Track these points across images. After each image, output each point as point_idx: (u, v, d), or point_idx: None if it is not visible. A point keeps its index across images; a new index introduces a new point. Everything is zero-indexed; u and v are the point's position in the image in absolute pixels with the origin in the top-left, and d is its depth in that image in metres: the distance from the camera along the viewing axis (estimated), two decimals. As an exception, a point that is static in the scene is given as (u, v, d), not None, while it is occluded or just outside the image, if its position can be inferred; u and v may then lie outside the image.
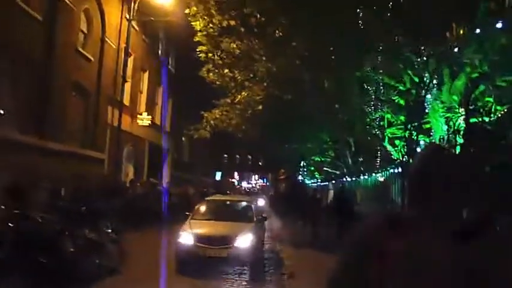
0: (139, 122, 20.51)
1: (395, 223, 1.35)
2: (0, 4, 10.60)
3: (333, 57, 12.07)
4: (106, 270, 7.21)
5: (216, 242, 8.42)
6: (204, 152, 35.96)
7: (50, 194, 10.26)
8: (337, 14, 10.21)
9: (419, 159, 1.45)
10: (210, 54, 13.77)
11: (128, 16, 17.40)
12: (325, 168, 24.75)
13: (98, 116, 16.26)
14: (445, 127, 9.41)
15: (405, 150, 10.74)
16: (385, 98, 11.77)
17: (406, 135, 10.51)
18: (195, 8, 12.86)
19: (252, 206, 10.94)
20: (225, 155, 56.61)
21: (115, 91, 17.24)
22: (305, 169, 32.59)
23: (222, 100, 16.42)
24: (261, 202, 29.54)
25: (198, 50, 13.88)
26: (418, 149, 9.96)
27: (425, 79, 10.04)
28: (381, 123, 12.17)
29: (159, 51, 23.83)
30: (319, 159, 24.06)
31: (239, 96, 15.15)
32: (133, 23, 17.97)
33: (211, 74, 14.53)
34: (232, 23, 12.30)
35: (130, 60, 18.43)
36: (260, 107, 15.69)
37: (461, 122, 9.12)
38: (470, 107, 9.09)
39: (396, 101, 11.05)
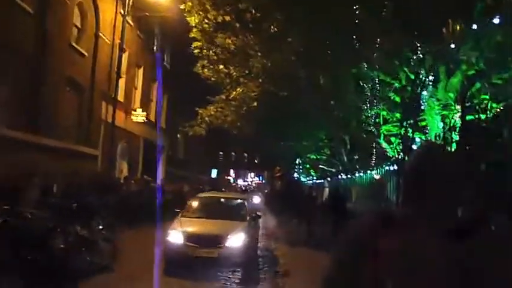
0: (134, 119, 20.34)
1: (390, 221, 1.33)
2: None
3: (329, 52, 11.98)
4: (97, 268, 7.11)
5: (207, 241, 8.01)
6: (199, 149, 35.83)
7: (41, 191, 10.14)
8: (332, 10, 10.14)
9: (415, 157, 1.45)
10: (204, 50, 13.67)
11: (122, 11, 17.20)
12: (320, 166, 24.74)
13: (91, 112, 16.10)
14: (441, 124, 9.37)
15: (401, 147, 10.71)
16: (380, 95, 11.72)
17: (402, 133, 10.48)
18: (190, 4, 12.77)
19: (246, 203, 10.45)
20: (221, 153, 56.51)
21: (109, 87, 17.07)
22: (301, 167, 32.57)
23: (217, 97, 16.33)
24: (257, 200, 29.49)
25: (193, 45, 13.77)
26: (414, 147, 9.93)
27: (421, 76, 9.99)
28: (377, 120, 12.12)
29: (154, 47, 23.61)
30: (314, 157, 24.04)
31: (234, 93, 15.07)
32: (128, 18, 17.79)
33: (206, 69, 14.44)
34: (228, 18, 12.22)
35: (124, 56, 18.26)
36: (255, 104, 15.62)
37: (457, 119, 9.08)
38: (466, 104, 9.05)
39: (392, 98, 11.01)
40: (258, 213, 11.01)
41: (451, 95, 9.24)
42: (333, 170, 22.08)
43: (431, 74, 9.81)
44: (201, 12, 12.73)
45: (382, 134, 11.78)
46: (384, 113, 11.65)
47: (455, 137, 8.97)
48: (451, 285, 1.23)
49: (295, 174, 35.39)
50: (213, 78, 14.83)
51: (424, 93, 10.03)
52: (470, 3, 8.37)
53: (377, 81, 11.82)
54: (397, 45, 9.83)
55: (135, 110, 20.57)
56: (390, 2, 9.63)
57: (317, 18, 10.46)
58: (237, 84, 14.98)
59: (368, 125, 12.67)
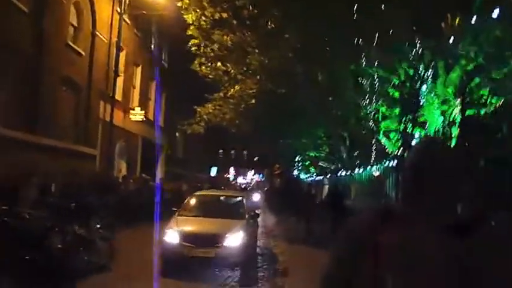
0: (132, 117, 20.30)
1: (389, 216, 1.34)
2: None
3: (327, 48, 11.92)
4: (95, 267, 7.08)
5: (204, 240, 7.76)
6: (198, 148, 35.80)
7: (39, 190, 10.12)
8: (329, 6, 10.08)
9: (414, 153, 1.45)
10: (202, 48, 13.62)
11: (119, 9, 17.13)
12: (320, 163, 24.70)
13: (89, 111, 16.05)
14: (441, 119, 9.32)
15: (400, 143, 10.67)
16: (379, 91, 11.66)
17: (401, 129, 10.42)
18: (187, 1, 12.71)
19: (244, 201, 10.16)
20: (220, 151, 56.46)
21: (107, 86, 17.01)
22: (300, 164, 32.54)
23: (216, 94, 16.27)
24: (256, 197, 29.50)
25: (190, 43, 13.72)
26: (413, 142, 9.89)
27: (420, 72, 9.94)
28: (376, 116, 12.07)
29: (152, 46, 23.58)
30: (313, 155, 24.00)
31: (232, 90, 15.02)
32: (125, 17, 17.73)
33: (203, 67, 14.39)
34: (225, 15, 12.16)
35: (122, 55, 18.21)
36: (253, 101, 15.56)
37: (456, 114, 9.04)
38: (466, 100, 9.01)
39: (391, 94, 10.95)
40: (256, 211, 10.88)
41: (450, 90, 9.18)
42: (332, 167, 22.04)
43: (431, 69, 9.76)
44: (198, 10, 12.67)
45: (381, 130, 11.73)
46: (383, 109, 11.59)
47: (455, 131, 8.93)
48: (450, 281, 1.23)
49: (295, 172, 35.37)
50: (210, 76, 14.77)
51: (423, 88, 9.98)
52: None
53: (375, 77, 11.76)
54: (395, 40, 9.77)
55: (133, 109, 20.52)
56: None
57: (314, 14, 10.40)
58: (235, 82, 14.93)
59: (367, 121, 12.63)
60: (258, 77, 14.40)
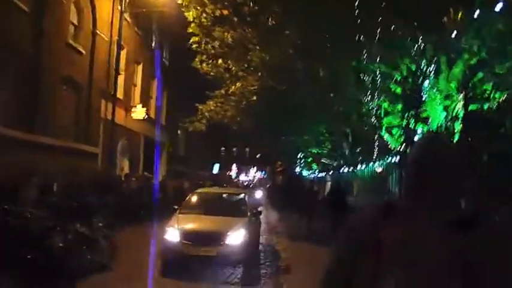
0: (134, 116, 20.24)
1: (392, 212, 1.34)
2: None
3: (328, 45, 11.86)
4: (97, 266, 7.06)
5: (205, 239, 7.58)
6: (200, 145, 35.78)
7: (41, 190, 10.11)
8: (329, 2, 10.01)
9: (416, 148, 1.46)
10: (203, 45, 13.57)
11: (119, 7, 17.07)
12: (322, 160, 24.66)
13: (90, 110, 16.02)
14: (444, 114, 9.25)
15: (402, 139, 10.61)
16: (381, 87, 11.59)
17: (404, 124, 10.36)
18: (187, -2, 12.66)
19: (246, 198, 9.97)
20: (222, 148, 56.45)
21: (108, 84, 16.97)
22: (302, 161, 32.51)
23: (217, 91, 16.22)
24: (259, 194, 29.51)
25: (191, 40, 13.67)
26: (416, 138, 9.83)
27: (422, 67, 9.87)
28: (378, 112, 12.01)
29: (153, 44, 23.52)
30: (316, 151, 23.95)
31: (233, 87, 14.97)
32: (126, 15, 17.66)
33: (204, 64, 14.33)
34: (225, 12, 12.10)
35: (123, 53, 18.14)
36: (255, 98, 15.51)
37: (459, 109, 8.97)
38: (469, 95, 8.94)
39: (393, 89, 10.88)
40: (259, 209, 10.78)
41: (453, 85, 9.11)
42: (335, 163, 21.99)
43: (433, 64, 9.68)
44: (198, 7, 12.62)
45: (383, 126, 11.67)
46: (385, 105, 11.52)
47: (458, 127, 8.86)
48: (453, 276, 1.23)
49: (297, 168, 35.33)
50: (212, 73, 14.72)
51: (426, 84, 9.91)
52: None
53: (377, 73, 11.69)
54: (397, 36, 9.70)
55: (135, 107, 20.48)
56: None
57: (314, 10, 10.33)
58: (236, 79, 14.88)
59: (369, 118, 12.56)
60: (259, 74, 14.35)
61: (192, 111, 18.26)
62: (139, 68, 21.99)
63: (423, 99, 9.97)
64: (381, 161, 14.16)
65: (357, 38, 10.68)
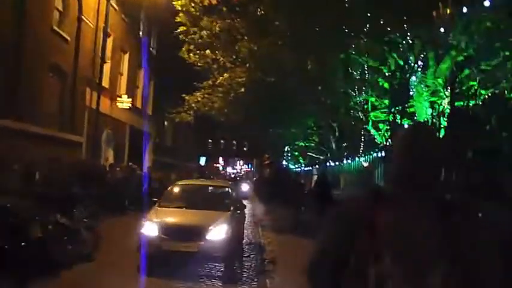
0: (119, 105, 19.97)
1: (380, 198, 1.39)
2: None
3: (317, 37, 11.79)
4: (78, 257, 6.95)
5: (185, 234, 7.14)
6: (187, 137, 35.58)
7: (22, 178, 9.91)
8: None
9: (402, 136, 1.49)
10: (191, 34, 13.39)
11: (106, -6, 16.73)
12: (309, 154, 24.71)
13: (75, 98, 15.73)
14: (430, 110, 9.30)
15: (389, 134, 10.65)
16: (369, 81, 11.60)
17: (390, 119, 10.39)
18: (176, -14, 12.45)
19: (230, 191, 9.42)
20: (210, 140, 56.26)
21: (93, 73, 16.67)
22: (289, 154, 32.55)
23: (205, 82, 16.05)
24: (245, 187, 29.49)
25: (178, 30, 13.48)
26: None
27: (410, 62, 9.89)
28: (365, 106, 12.02)
29: (140, 32, 23.16)
30: (303, 145, 23.98)
31: (221, 78, 14.82)
32: (112, 2, 17.34)
33: (191, 54, 14.15)
34: (214, 1, 11.93)
35: (109, 41, 17.84)
36: (242, 90, 15.38)
37: (445, 105, 9.03)
38: (456, 91, 8.99)
39: (381, 84, 10.89)
40: (244, 202, 10.45)
41: (440, 81, 9.16)
42: (322, 157, 22.04)
43: (420, 59, 9.70)
44: (187, -5, 12.44)
45: (370, 121, 11.69)
46: (373, 99, 11.54)
47: (444, 122, 8.91)
48: (440, 256, 1.28)
49: (284, 162, 35.37)
50: (199, 64, 14.55)
51: (413, 79, 9.93)
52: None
53: (365, 67, 11.68)
54: (386, 30, 9.67)
55: (120, 97, 20.18)
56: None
57: (303, 1, 10.24)
58: (223, 70, 14.74)
59: (356, 111, 12.57)
60: (247, 65, 14.21)
61: (180, 101, 18.07)
62: (126, 56, 21.64)
63: (410, 94, 10.00)
64: (367, 156, 14.21)
65: (346, 31, 10.64)
